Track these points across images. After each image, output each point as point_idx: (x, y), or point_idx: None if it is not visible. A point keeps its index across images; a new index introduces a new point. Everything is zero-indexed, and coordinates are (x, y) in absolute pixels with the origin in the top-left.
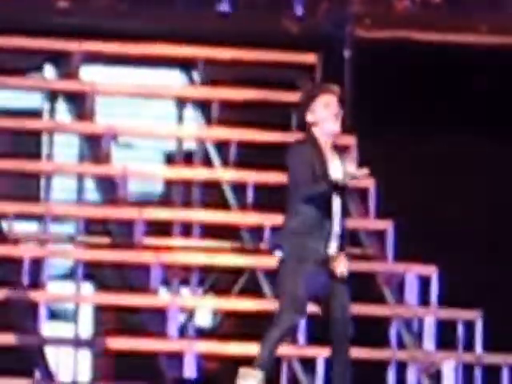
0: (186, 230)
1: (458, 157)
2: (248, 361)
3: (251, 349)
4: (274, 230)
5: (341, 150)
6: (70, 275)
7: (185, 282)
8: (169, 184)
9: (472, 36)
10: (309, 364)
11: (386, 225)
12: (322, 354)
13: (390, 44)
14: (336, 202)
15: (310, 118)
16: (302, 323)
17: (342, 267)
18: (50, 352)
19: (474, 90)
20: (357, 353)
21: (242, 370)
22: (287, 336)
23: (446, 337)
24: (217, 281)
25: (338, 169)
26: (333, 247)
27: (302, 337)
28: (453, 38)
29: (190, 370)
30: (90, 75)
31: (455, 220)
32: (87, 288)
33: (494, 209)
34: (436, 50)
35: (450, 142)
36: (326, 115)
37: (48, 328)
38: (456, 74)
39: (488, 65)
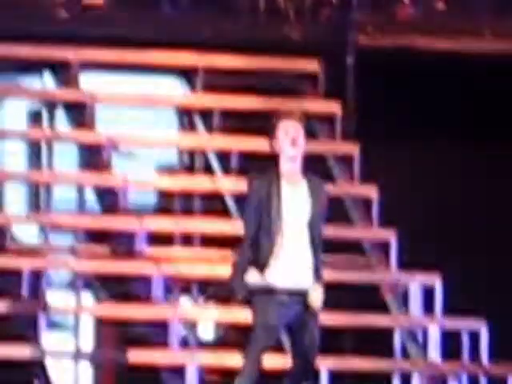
0: (187, 239)
1: (462, 164)
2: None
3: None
4: None
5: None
6: (70, 286)
7: (186, 292)
8: (169, 193)
9: (476, 42)
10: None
11: (390, 234)
12: (325, 365)
13: (392, 51)
14: (294, 236)
15: (274, 146)
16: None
17: (317, 301)
18: (50, 364)
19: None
20: (361, 363)
21: None
22: (257, 365)
23: (450, 346)
24: (218, 291)
25: (298, 203)
26: (304, 279)
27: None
28: (456, 44)
29: (191, 383)
30: (90, 84)
31: (459, 227)
32: (88, 299)
33: (496, 215)
34: (439, 57)
35: (453, 150)
36: (285, 141)
37: (48, 339)
38: (459, 81)
39: (492, 71)
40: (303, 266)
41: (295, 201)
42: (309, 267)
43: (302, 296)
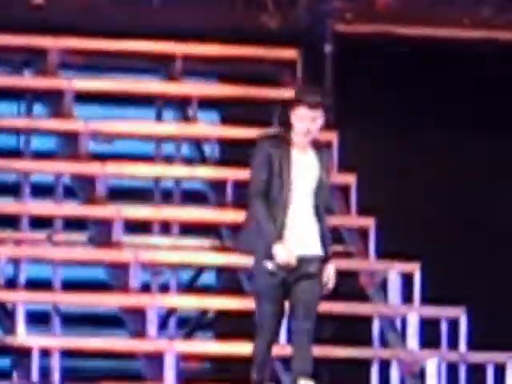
0: (166, 228)
1: (443, 152)
2: (231, 360)
3: (231, 348)
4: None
5: (322, 147)
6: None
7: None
8: (148, 182)
9: (455, 30)
10: (289, 363)
11: (368, 222)
12: None
13: (371, 38)
14: (302, 202)
15: (290, 119)
16: (283, 322)
17: (329, 282)
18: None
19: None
20: (340, 352)
21: None
22: (274, 341)
23: (429, 335)
24: (196, 280)
25: (308, 168)
26: (312, 245)
27: (282, 336)
28: (435, 31)
29: (170, 371)
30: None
31: (438, 216)
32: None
33: (478, 204)
34: (417, 44)
35: (434, 137)
36: (299, 125)
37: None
38: (438, 68)
39: (471, 58)
40: (311, 233)
41: (304, 167)
42: (316, 234)
43: (309, 261)
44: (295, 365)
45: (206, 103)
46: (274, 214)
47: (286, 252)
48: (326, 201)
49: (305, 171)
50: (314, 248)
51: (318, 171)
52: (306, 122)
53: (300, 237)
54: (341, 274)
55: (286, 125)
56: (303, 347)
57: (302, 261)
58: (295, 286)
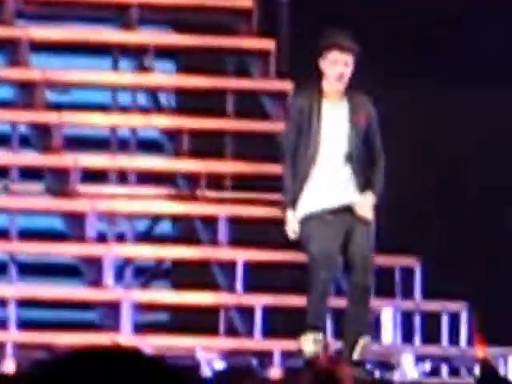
0: (122, 177)
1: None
2: (188, 309)
3: (188, 298)
4: (210, 177)
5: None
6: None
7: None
8: (104, 131)
9: None
10: (246, 313)
11: None
12: (259, 302)
13: None
14: (333, 155)
15: (320, 65)
16: (240, 271)
17: (364, 210)
18: None
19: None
20: (295, 301)
21: (303, 338)
22: (327, 289)
23: (384, 284)
24: (153, 229)
25: (341, 119)
26: (345, 195)
27: (239, 285)
28: None
29: (126, 321)
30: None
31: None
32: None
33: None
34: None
35: (386, 86)
36: (330, 71)
37: None
38: (394, 21)
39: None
40: (343, 184)
41: (337, 118)
42: (350, 184)
43: (347, 211)
44: (351, 324)
45: (162, 52)
46: (301, 169)
47: (292, 223)
48: (372, 148)
49: (338, 123)
50: (345, 196)
51: (348, 122)
52: (339, 66)
53: (330, 190)
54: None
55: (316, 75)
56: (359, 305)
57: (344, 214)
58: (346, 237)
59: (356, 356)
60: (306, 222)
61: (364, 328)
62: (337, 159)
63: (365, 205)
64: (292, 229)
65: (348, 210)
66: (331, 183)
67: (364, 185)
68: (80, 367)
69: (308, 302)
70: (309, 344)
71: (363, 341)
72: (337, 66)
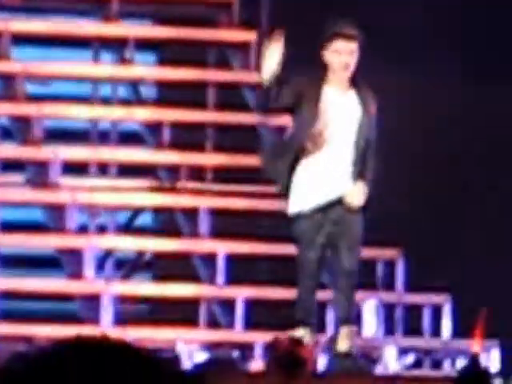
0: (103, 169)
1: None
2: (168, 301)
3: (169, 290)
4: (191, 169)
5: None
6: None
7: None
8: (85, 123)
9: None
10: (227, 305)
11: None
12: (240, 294)
13: None
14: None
15: (324, 56)
16: (221, 263)
17: (355, 200)
18: None
19: None
20: (276, 293)
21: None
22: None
23: (366, 276)
24: (133, 221)
25: (347, 109)
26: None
27: (220, 277)
28: None
29: (106, 313)
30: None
31: None
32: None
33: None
34: None
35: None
36: (336, 61)
37: None
38: (370, 10)
39: None
40: (340, 174)
41: (342, 109)
42: (347, 174)
43: (338, 203)
44: (337, 311)
45: (143, 45)
46: (290, 155)
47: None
48: (371, 141)
49: (346, 111)
50: (340, 190)
51: (359, 112)
52: (345, 55)
53: (326, 181)
54: (276, 215)
55: (321, 65)
56: (343, 292)
57: (336, 204)
58: (335, 227)
59: (342, 347)
60: (297, 220)
61: (348, 316)
62: (338, 148)
63: (357, 194)
64: (267, 67)
65: (339, 201)
66: (328, 173)
67: (357, 174)
68: (66, 359)
69: (298, 296)
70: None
71: (347, 330)
72: (342, 55)
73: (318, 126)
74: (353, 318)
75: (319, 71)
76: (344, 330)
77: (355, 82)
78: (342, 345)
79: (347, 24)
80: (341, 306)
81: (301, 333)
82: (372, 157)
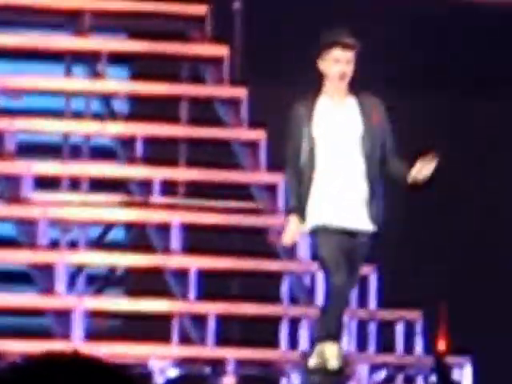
0: (75, 184)
1: None
2: (141, 317)
3: (141, 305)
4: (163, 183)
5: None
6: None
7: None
8: (57, 138)
9: None
10: (199, 320)
11: (277, 178)
12: (212, 310)
13: None
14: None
15: (321, 66)
16: (193, 278)
17: (422, 174)
18: None
19: None
20: (249, 309)
21: (318, 348)
22: (341, 296)
23: None
24: (105, 236)
25: (347, 119)
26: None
27: (192, 292)
28: None
29: (78, 328)
30: None
31: None
32: None
33: None
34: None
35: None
36: (333, 69)
37: None
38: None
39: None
40: (353, 198)
41: (342, 119)
42: (360, 196)
43: (351, 235)
44: (318, 326)
45: (116, 59)
46: (305, 179)
47: (291, 229)
48: (387, 146)
49: (341, 123)
50: (360, 221)
51: (359, 120)
52: (342, 64)
53: (340, 203)
54: (250, 231)
55: (318, 76)
56: (332, 306)
57: (347, 234)
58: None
59: (332, 365)
60: (314, 233)
61: (333, 332)
62: (346, 162)
63: (422, 169)
64: (289, 235)
65: (353, 234)
66: (341, 191)
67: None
68: (36, 375)
69: (324, 313)
70: (332, 356)
71: (333, 347)
72: (338, 64)
73: (318, 141)
74: (334, 333)
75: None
76: (333, 347)
77: (355, 90)
78: (333, 362)
79: (344, 32)
80: (324, 320)
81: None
82: (397, 159)
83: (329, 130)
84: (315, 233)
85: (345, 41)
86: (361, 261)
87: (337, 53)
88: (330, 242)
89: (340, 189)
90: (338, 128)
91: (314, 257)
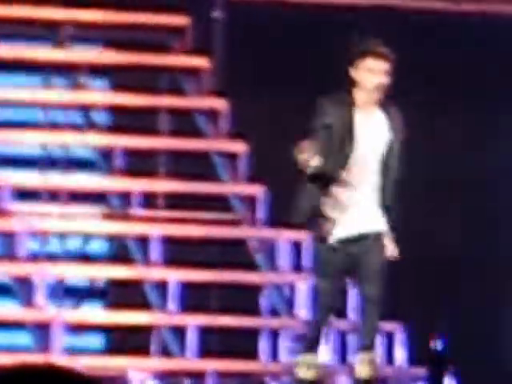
0: (54, 195)
1: None
2: (121, 329)
3: (121, 318)
4: (143, 195)
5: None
6: None
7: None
8: (36, 149)
9: None
10: (179, 333)
11: (257, 190)
12: (192, 322)
13: (263, 5)
14: (365, 170)
15: (354, 75)
16: (173, 291)
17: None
18: None
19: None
20: (228, 321)
21: (299, 359)
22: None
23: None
24: (85, 248)
25: (375, 132)
26: (371, 220)
27: (172, 305)
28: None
29: (58, 341)
30: None
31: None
32: None
33: None
34: (310, 13)
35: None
36: (368, 80)
37: None
38: (326, 38)
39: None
40: (370, 207)
41: (369, 131)
42: (376, 207)
43: (366, 238)
44: (360, 337)
45: (95, 70)
46: (329, 187)
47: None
48: (394, 168)
49: (371, 136)
50: (373, 225)
51: (387, 135)
52: (378, 75)
53: (357, 213)
54: (229, 243)
55: (349, 84)
56: (367, 318)
57: (360, 238)
58: (353, 256)
59: (364, 373)
60: (320, 248)
61: (370, 342)
62: (370, 175)
63: (392, 248)
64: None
65: (364, 237)
66: (361, 204)
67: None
68: None
69: (310, 324)
70: (303, 369)
71: (369, 356)
72: (374, 74)
73: (349, 152)
74: (369, 344)
75: (343, 91)
76: (365, 357)
77: (383, 103)
78: (364, 371)
79: (378, 43)
80: (365, 332)
81: (306, 361)
82: (393, 184)
83: (359, 143)
84: (319, 249)
85: (379, 50)
86: (377, 265)
87: (373, 63)
88: (328, 277)
89: (357, 202)
90: (368, 141)
91: (295, 267)
